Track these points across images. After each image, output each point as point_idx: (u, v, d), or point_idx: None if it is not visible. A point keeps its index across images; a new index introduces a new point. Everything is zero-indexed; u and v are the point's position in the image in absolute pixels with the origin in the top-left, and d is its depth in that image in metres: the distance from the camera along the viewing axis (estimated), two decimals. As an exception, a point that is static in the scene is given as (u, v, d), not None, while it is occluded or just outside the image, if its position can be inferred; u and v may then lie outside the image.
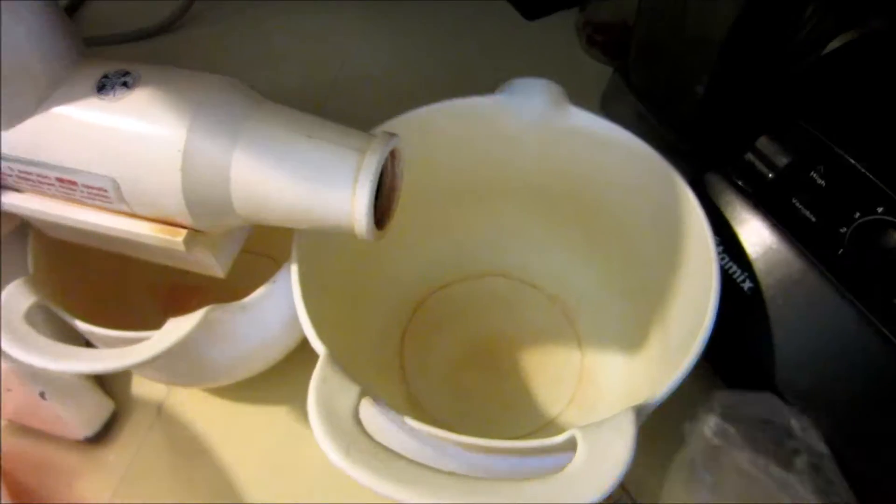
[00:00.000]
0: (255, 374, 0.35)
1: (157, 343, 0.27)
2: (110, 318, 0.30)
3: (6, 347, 0.27)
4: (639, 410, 0.23)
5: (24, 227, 0.32)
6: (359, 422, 0.22)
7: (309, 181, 0.23)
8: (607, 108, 0.46)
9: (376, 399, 0.24)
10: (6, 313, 0.28)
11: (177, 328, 0.27)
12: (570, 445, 0.22)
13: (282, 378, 0.36)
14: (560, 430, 0.23)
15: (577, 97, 0.34)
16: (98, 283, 0.36)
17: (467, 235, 0.40)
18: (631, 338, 0.35)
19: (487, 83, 0.35)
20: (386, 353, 0.37)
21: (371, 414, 0.24)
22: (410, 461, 0.21)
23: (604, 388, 0.35)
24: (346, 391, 0.23)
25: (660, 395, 0.24)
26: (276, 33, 0.57)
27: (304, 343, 0.34)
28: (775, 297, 0.31)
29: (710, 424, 0.29)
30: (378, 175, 0.23)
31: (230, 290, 0.31)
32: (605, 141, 0.34)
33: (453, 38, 0.56)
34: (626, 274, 0.37)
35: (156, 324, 0.28)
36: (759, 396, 0.30)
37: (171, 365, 0.32)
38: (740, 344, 0.32)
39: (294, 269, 0.28)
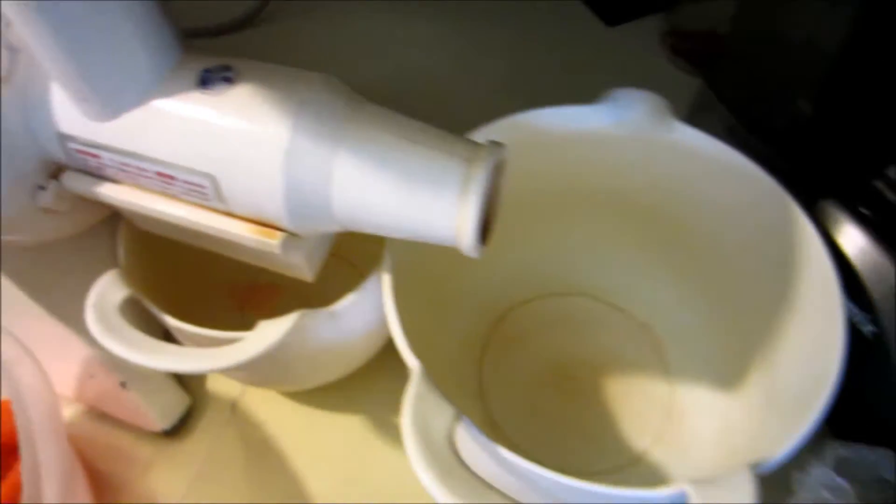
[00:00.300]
0: (332, 380, 0.35)
1: (251, 346, 0.26)
2: (186, 312, 0.29)
3: (103, 341, 0.27)
4: (756, 469, 0.21)
5: (111, 218, 0.32)
6: (453, 446, 0.21)
7: (413, 190, 0.22)
8: (694, 121, 0.43)
9: (468, 423, 0.23)
10: (101, 304, 0.28)
11: (269, 332, 0.27)
12: (678, 498, 0.20)
13: (357, 386, 0.36)
14: (649, 469, 0.21)
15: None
16: (177, 276, 0.36)
17: (554, 249, 0.39)
18: (728, 378, 0.33)
19: (565, 91, 0.33)
20: (465, 369, 0.36)
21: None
22: (505, 496, 0.20)
23: (697, 430, 0.33)
24: (441, 412, 0.22)
25: (782, 455, 0.22)
26: (351, 33, 0.56)
27: (381, 353, 0.33)
28: (901, 343, 0.28)
29: (822, 477, 0.27)
30: (488, 188, 0.22)
31: (304, 291, 0.30)
32: (711, 160, 0.31)
33: (530, 45, 0.54)
34: (725, 307, 0.34)
35: (230, 320, 0.28)
36: (877, 452, 0.27)
37: (253, 366, 0.32)
38: (858, 393, 0.29)
39: (386, 279, 0.27)
